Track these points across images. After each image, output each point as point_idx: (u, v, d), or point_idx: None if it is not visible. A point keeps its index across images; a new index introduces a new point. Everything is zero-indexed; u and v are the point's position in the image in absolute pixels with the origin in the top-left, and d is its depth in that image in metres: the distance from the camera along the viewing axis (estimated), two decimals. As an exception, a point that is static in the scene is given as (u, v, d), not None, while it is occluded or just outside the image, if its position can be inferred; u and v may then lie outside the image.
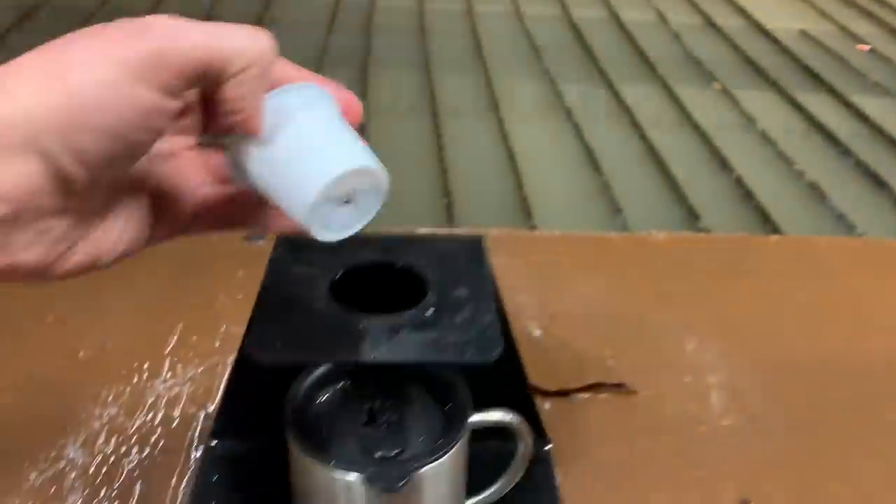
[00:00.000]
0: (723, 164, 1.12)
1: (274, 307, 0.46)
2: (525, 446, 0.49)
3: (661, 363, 0.73)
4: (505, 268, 0.56)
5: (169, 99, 0.34)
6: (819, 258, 0.91)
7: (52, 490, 0.57)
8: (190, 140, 0.43)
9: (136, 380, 0.67)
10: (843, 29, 2.04)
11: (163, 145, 0.41)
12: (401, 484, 0.41)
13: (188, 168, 0.43)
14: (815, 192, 1.06)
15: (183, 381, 0.67)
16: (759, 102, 1.34)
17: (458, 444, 0.45)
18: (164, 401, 0.65)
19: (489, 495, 0.51)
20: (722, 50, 1.65)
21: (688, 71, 1.45)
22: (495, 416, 0.47)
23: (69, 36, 0.34)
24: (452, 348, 0.42)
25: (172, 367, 0.69)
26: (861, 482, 0.61)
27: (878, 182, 1.14)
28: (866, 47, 2.11)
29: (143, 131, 0.34)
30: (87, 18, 2.39)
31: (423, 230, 0.81)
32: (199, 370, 0.69)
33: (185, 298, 0.78)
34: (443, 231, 0.87)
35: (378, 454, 0.44)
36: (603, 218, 0.99)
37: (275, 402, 0.46)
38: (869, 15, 2.33)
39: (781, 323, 0.79)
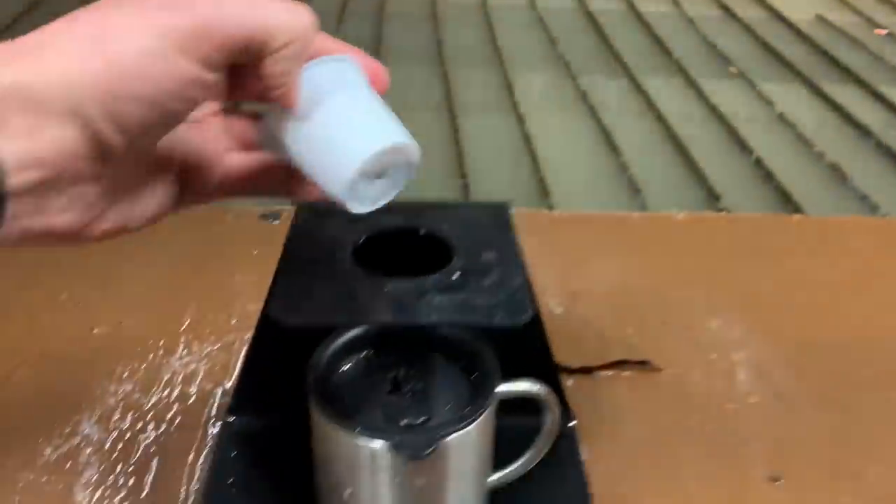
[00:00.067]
0: (742, 146, 1.10)
1: (297, 271, 0.45)
2: (552, 418, 0.48)
3: (685, 341, 0.71)
4: (524, 246, 0.55)
5: (208, 71, 0.34)
6: (842, 238, 0.89)
7: (68, 465, 0.56)
8: (215, 106, 0.44)
9: (151, 357, 0.66)
10: (860, 13, 2.02)
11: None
12: (428, 451, 0.40)
13: (214, 134, 0.44)
14: (837, 174, 1.04)
15: (199, 358, 0.66)
16: (777, 87, 1.32)
17: (486, 412, 0.43)
18: (181, 377, 0.64)
19: (516, 469, 0.50)
20: (740, 37, 1.64)
21: (704, 57, 1.43)
22: (523, 386, 0.46)
23: (106, 3, 0.35)
24: (481, 311, 0.41)
25: (188, 345, 0.68)
26: (893, 458, 0.60)
27: (899, 164, 1.12)
28: (884, 31, 2.09)
29: (180, 101, 0.35)
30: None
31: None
32: (216, 347, 0.68)
33: (200, 277, 0.77)
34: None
35: (404, 422, 0.42)
36: (622, 200, 0.97)
37: (294, 377, 0.45)
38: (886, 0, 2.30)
39: (806, 301, 0.78)
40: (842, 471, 0.59)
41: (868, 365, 0.69)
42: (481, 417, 0.43)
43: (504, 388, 0.45)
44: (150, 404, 0.62)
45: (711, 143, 1.12)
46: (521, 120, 1.16)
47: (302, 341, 0.43)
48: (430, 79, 1.29)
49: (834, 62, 1.41)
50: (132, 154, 0.36)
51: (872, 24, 1.91)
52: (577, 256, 0.82)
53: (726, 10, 1.81)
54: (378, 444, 0.40)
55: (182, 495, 0.54)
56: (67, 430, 0.59)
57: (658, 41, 1.51)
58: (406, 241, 0.47)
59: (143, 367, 0.65)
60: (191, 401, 0.62)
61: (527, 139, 1.10)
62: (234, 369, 0.65)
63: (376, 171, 0.40)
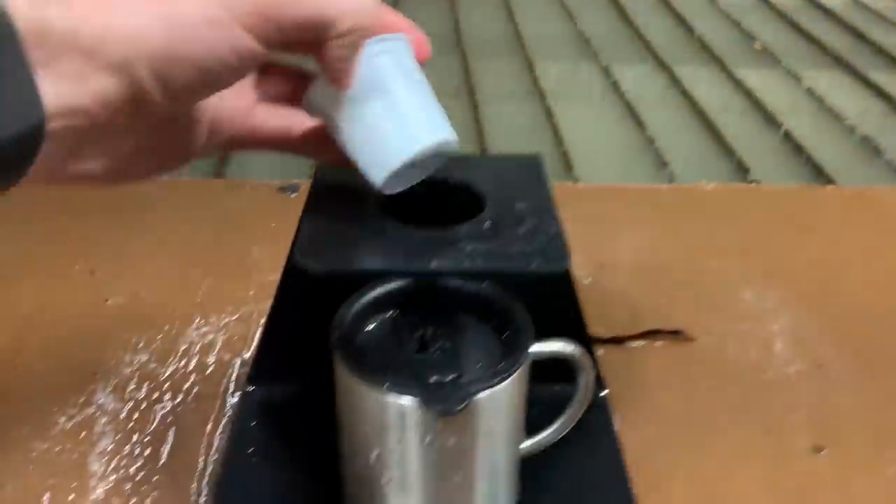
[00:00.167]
0: (770, 119, 1.07)
1: (322, 218, 0.42)
2: (587, 380, 0.45)
3: (719, 311, 0.69)
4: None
5: (264, 47, 0.35)
6: (877, 207, 0.86)
7: (82, 435, 0.54)
8: None
9: (167, 327, 0.64)
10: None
11: None
12: (460, 407, 0.37)
13: (247, 87, 0.44)
14: (869, 147, 1.01)
15: (217, 329, 0.64)
16: (809, 67, 1.29)
17: (520, 369, 0.41)
18: (198, 347, 0.62)
19: (549, 435, 0.47)
20: (766, 15, 1.60)
21: (732, 39, 1.40)
22: (556, 346, 0.43)
23: None
24: (516, 258, 0.38)
25: (206, 316, 0.66)
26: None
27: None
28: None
29: (231, 72, 0.35)
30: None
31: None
32: (234, 318, 0.66)
33: (217, 249, 0.75)
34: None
35: (433, 379, 0.40)
36: (648, 173, 0.94)
37: (317, 337, 0.43)
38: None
39: (842, 271, 0.75)
40: (888, 440, 0.56)
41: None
42: (515, 375, 0.40)
43: (537, 347, 0.42)
44: (166, 374, 0.60)
45: (738, 116, 1.09)
46: (542, 96, 1.13)
47: (328, 290, 0.41)
48: (449, 61, 1.26)
49: (868, 43, 1.38)
50: (169, 111, 0.36)
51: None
52: (605, 228, 0.79)
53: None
54: (407, 400, 0.38)
55: (200, 465, 0.52)
56: (82, 400, 0.57)
57: (683, 22, 1.47)
58: (435, 192, 0.45)
59: (159, 337, 0.63)
60: (209, 371, 0.60)
61: (548, 114, 1.07)
62: (252, 340, 0.63)
63: (416, 162, 0.41)
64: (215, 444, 0.54)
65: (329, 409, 0.44)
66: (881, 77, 1.22)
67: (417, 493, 0.41)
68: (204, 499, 0.50)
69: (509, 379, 0.40)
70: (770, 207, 0.85)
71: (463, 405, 0.37)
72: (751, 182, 0.90)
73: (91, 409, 0.56)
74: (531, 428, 0.47)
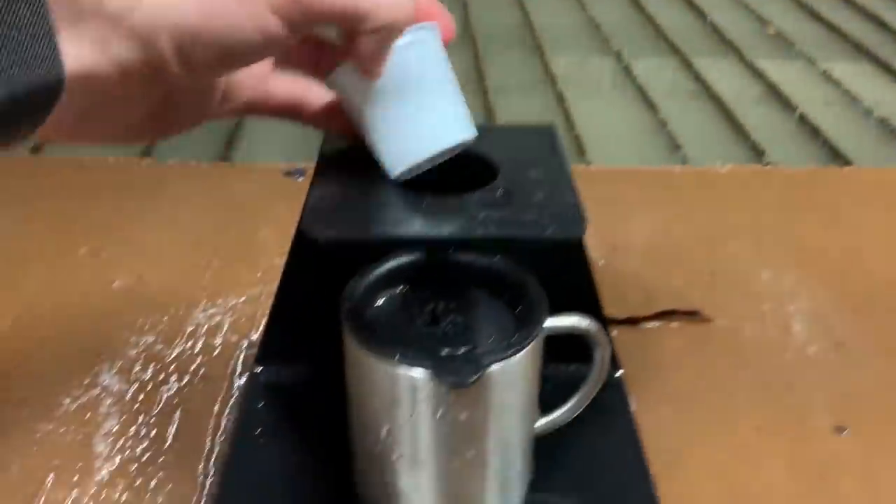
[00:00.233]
0: (785, 104, 1.05)
1: (331, 187, 0.41)
2: (602, 356, 0.44)
3: (736, 292, 0.67)
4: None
5: (292, 34, 0.34)
6: (895, 188, 0.84)
7: (87, 416, 0.53)
8: None
9: (173, 309, 0.63)
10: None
11: None
12: (473, 379, 0.36)
13: None
14: (887, 129, 1.00)
15: (224, 311, 0.63)
16: (824, 50, 1.27)
17: (534, 342, 0.39)
18: (205, 329, 0.61)
19: (564, 413, 0.46)
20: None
21: (749, 29, 1.38)
22: (570, 320, 0.42)
23: None
24: (531, 225, 0.37)
25: (212, 297, 0.65)
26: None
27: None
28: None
29: (254, 53, 0.35)
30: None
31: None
32: (241, 300, 0.65)
33: (223, 232, 0.74)
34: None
35: (444, 352, 0.38)
36: (661, 156, 0.93)
37: (323, 321, 0.42)
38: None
39: (860, 251, 0.73)
40: (912, 420, 0.54)
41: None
42: (528, 347, 0.39)
43: (551, 322, 0.41)
44: (172, 356, 0.59)
45: (750, 99, 1.08)
46: (553, 84, 1.12)
47: (337, 260, 0.40)
48: (460, 51, 1.25)
49: (889, 31, 1.36)
50: (185, 83, 0.36)
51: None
52: (619, 210, 0.78)
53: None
54: (418, 372, 0.37)
55: (207, 446, 0.51)
56: (87, 382, 0.56)
57: (697, 11, 1.46)
58: (446, 161, 0.43)
59: (164, 318, 0.62)
60: (215, 353, 0.59)
61: (560, 100, 1.06)
62: (259, 322, 0.62)
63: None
64: (223, 426, 0.53)
65: (337, 390, 0.43)
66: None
67: (429, 469, 0.40)
68: (211, 480, 0.49)
69: (523, 351, 0.39)
70: (785, 188, 0.84)
71: (476, 377, 0.36)
72: (766, 164, 0.88)
73: (96, 391, 0.55)
74: (545, 407, 0.46)
